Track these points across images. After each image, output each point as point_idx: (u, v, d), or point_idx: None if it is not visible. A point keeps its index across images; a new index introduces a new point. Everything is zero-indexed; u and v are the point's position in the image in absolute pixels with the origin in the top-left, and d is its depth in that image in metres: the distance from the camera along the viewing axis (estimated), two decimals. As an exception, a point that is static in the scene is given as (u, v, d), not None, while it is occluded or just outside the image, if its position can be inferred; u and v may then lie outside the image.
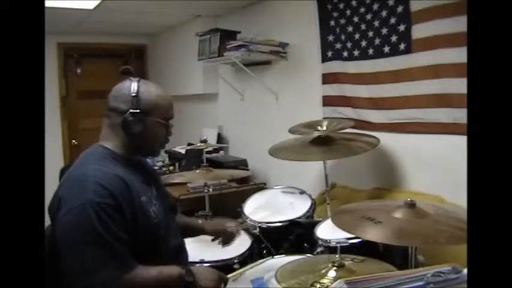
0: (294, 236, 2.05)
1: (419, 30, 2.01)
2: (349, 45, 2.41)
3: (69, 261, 1.18)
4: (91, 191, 1.17)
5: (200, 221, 1.72)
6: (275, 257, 1.80)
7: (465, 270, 0.87)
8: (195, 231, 1.66)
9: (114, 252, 1.16)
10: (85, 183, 1.19)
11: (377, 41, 2.23)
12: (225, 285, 1.39)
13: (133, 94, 1.30)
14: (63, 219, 1.18)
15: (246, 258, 1.84)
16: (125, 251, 1.19)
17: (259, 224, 2.10)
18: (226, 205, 2.59)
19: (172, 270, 1.26)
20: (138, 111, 1.29)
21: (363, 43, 2.31)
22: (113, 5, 3.19)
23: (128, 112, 1.29)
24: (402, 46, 2.10)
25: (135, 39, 4.83)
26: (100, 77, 4.43)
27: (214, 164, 2.85)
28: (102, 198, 1.17)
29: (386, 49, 2.19)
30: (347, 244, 1.64)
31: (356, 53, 2.37)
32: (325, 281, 1.34)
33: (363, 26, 2.30)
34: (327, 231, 1.83)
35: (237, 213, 2.29)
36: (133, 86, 1.31)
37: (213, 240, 1.65)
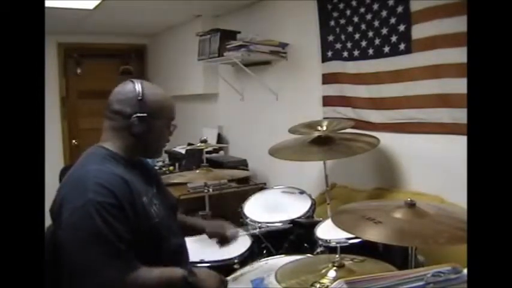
0: (294, 236, 2.05)
1: (419, 30, 2.01)
2: (349, 45, 2.41)
3: (71, 261, 1.18)
4: (92, 191, 1.17)
5: (202, 221, 1.72)
6: (275, 257, 1.80)
7: (465, 270, 0.86)
8: (195, 231, 1.66)
9: (117, 252, 1.16)
10: (86, 183, 1.19)
11: (377, 41, 2.23)
12: (225, 287, 1.40)
13: (139, 97, 1.30)
14: (65, 220, 1.18)
15: (246, 258, 1.84)
16: (128, 251, 1.19)
17: (259, 224, 2.10)
18: (226, 205, 2.59)
19: (175, 271, 1.26)
20: (145, 114, 1.30)
21: (363, 43, 2.31)
22: (113, 5, 3.19)
23: (135, 116, 1.29)
24: (402, 46, 2.10)
25: (135, 39, 4.83)
26: (100, 77, 4.44)
27: (214, 164, 2.85)
28: (104, 197, 1.17)
29: (387, 49, 2.19)
30: (347, 244, 1.64)
31: (356, 53, 2.37)
32: (325, 281, 1.34)
33: (363, 26, 2.30)
34: (327, 231, 1.83)
35: (237, 213, 2.28)
36: (137, 88, 1.32)
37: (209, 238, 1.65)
